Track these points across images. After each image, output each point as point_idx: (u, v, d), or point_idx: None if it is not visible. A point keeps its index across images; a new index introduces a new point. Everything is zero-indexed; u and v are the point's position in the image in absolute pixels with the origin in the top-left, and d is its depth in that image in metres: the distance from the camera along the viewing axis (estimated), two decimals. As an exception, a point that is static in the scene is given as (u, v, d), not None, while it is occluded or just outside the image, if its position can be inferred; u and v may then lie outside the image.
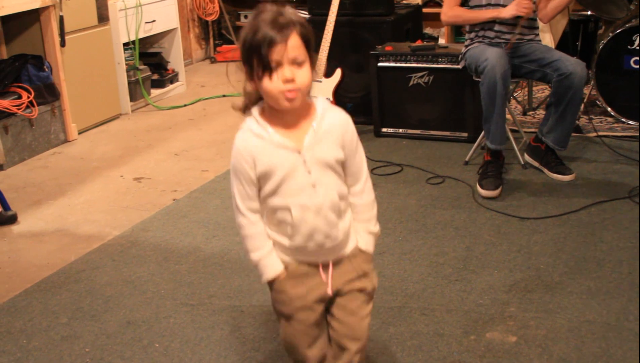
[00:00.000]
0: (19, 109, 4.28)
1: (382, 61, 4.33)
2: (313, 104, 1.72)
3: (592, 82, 4.35)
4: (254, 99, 1.72)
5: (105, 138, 4.79)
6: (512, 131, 3.95)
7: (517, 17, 3.55)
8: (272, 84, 1.60)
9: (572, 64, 3.43)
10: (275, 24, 1.58)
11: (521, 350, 2.32)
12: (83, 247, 3.22)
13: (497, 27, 3.65)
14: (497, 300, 2.61)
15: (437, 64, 4.20)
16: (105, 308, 2.71)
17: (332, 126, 1.71)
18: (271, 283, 1.79)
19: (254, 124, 1.69)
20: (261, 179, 1.71)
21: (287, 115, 1.68)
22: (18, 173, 4.21)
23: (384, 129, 4.43)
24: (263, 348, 2.40)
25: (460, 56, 3.91)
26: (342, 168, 1.75)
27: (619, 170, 3.70)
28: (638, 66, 4.21)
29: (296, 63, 1.61)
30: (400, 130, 4.40)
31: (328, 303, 1.82)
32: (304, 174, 1.69)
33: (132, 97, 5.33)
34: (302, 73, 1.62)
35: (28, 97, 4.34)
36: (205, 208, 3.54)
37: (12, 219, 3.50)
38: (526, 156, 3.81)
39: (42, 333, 2.57)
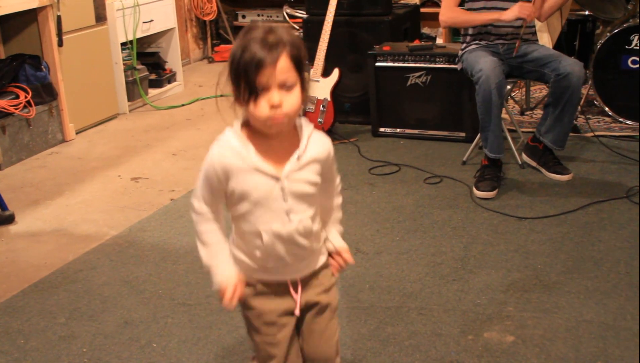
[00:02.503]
0: (16, 109, 4.27)
1: (379, 61, 4.33)
2: (300, 127, 1.64)
3: (589, 82, 4.36)
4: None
5: (103, 138, 4.78)
6: (510, 130, 3.95)
7: (520, 22, 3.51)
8: (258, 109, 1.51)
9: (570, 64, 3.43)
10: (264, 43, 1.49)
11: (519, 349, 2.32)
12: (81, 247, 3.21)
13: (493, 39, 3.65)
14: (494, 300, 2.61)
15: (435, 64, 4.20)
16: (103, 308, 2.71)
17: (316, 155, 1.64)
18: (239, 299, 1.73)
19: (234, 139, 1.61)
20: (233, 198, 1.63)
21: (270, 137, 1.60)
22: (16, 172, 4.20)
23: (382, 129, 4.43)
24: (261, 348, 2.40)
25: (457, 59, 3.90)
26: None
27: (616, 170, 3.70)
28: (636, 66, 4.21)
29: (285, 87, 1.51)
30: (398, 130, 4.40)
31: (298, 319, 1.77)
32: (280, 201, 1.61)
33: (130, 97, 5.33)
34: (290, 98, 1.53)
35: (25, 97, 4.34)
36: (203, 208, 3.54)
37: (10, 219, 3.50)
38: (524, 156, 3.81)
39: (39, 333, 2.57)
